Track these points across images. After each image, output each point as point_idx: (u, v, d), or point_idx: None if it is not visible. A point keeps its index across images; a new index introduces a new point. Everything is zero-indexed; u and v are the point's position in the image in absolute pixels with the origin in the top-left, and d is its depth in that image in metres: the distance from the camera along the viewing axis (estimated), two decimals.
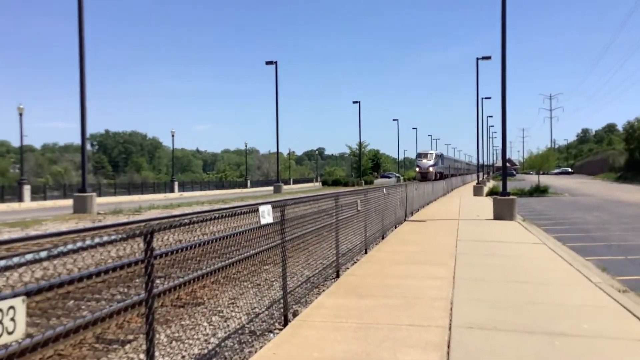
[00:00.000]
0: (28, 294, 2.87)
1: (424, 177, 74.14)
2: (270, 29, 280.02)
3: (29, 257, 2.84)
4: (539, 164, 54.79)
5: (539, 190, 43.12)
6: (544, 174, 69.95)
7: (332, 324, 6.45)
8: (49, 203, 39.59)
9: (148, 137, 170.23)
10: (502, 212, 20.29)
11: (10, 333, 2.68)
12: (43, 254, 2.94)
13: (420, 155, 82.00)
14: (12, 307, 2.69)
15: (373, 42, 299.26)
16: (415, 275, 9.41)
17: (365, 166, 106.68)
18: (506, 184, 21.94)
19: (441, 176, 78.57)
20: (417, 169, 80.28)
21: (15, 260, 2.75)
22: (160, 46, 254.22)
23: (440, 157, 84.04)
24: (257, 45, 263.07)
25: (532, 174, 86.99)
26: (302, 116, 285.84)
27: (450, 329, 6.17)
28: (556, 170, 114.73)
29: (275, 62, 53.86)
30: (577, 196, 41.42)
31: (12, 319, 2.69)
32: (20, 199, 40.00)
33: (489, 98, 69.85)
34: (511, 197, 21.01)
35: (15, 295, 2.71)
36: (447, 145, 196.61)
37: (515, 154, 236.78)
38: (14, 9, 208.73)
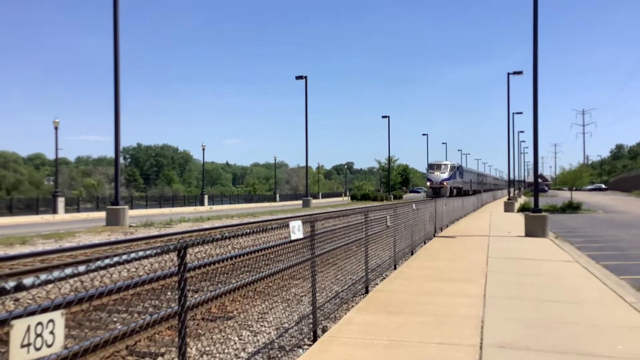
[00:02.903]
0: (64, 305, 2.94)
1: (436, 192, 62.92)
2: (300, 45, 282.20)
3: (68, 271, 2.92)
4: (571, 180, 53.88)
5: (572, 207, 42.37)
6: (576, 190, 68.28)
7: (361, 340, 6.43)
8: (82, 215, 40.32)
9: (179, 150, 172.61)
10: (534, 229, 20.00)
11: (49, 346, 2.75)
12: (82, 268, 3.02)
13: (432, 167, 69.10)
14: (51, 321, 2.76)
15: (403, 57, 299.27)
16: (446, 293, 9.33)
17: (394, 181, 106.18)
18: (538, 200, 21.63)
19: (459, 192, 68.15)
20: (428, 183, 68.37)
21: (56, 274, 2.82)
22: (191, 62, 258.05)
23: (457, 169, 71.51)
24: (287, 61, 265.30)
25: (564, 190, 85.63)
26: (331, 130, 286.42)
27: (481, 348, 6.10)
28: (589, 187, 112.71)
29: (305, 77, 54.22)
30: (611, 213, 40.60)
31: (52, 332, 2.76)
32: (54, 210, 40.85)
33: (521, 113, 68.59)
34: (543, 213, 20.71)
35: (55, 309, 2.78)
36: (477, 160, 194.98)
37: (547, 170, 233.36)
38: (52, 25, 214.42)
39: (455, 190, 66.91)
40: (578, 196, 56.14)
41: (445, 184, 65.15)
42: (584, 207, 44.05)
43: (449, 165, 68.19)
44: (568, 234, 23.38)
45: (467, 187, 76.83)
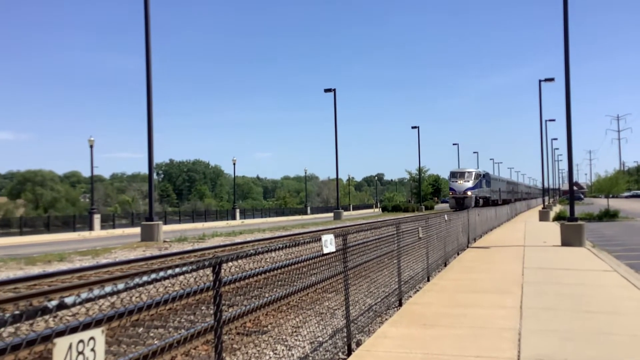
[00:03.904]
0: (105, 321, 3.01)
1: (459, 203, 57.92)
2: (327, 56, 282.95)
3: (108, 289, 2.99)
4: (607, 187, 52.90)
5: (609, 215, 41.49)
6: (613, 197, 66.54)
7: (396, 354, 6.39)
8: (117, 231, 40.98)
9: (210, 165, 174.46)
10: (570, 238, 19.64)
11: None
12: (121, 286, 3.09)
13: (454, 175, 63.14)
14: (92, 338, 2.82)
15: (430, 66, 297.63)
16: (481, 304, 9.22)
17: (426, 191, 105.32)
18: (574, 209, 21.26)
19: (486, 202, 62.74)
20: (451, 193, 62.73)
21: (96, 292, 2.90)
22: (221, 77, 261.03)
23: (483, 177, 65.17)
24: (315, 74, 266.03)
25: (600, 197, 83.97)
26: (361, 142, 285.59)
27: None
28: (626, 194, 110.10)
29: (334, 90, 54.33)
30: None
31: (92, 350, 2.82)
32: (90, 227, 41.64)
33: (553, 120, 66.50)
34: (579, 222, 20.32)
35: (96, 325, 2.85)
36: (510, 169, 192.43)
37: (583, 177, 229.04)
38: (86, 46, 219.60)
39: (481, 200, 61.64)
40: (615, 203, 54.92)
41: (469, 193, 59.54)
42: (621, 214, 43.11)
43: (474, 173, 62.40)
44: (605, 242, 22.90)
45: (496, 197, 71.14)
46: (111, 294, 3.01)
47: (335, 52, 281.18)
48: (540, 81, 45.75)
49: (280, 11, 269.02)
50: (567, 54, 20.43)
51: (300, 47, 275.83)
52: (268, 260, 5.91)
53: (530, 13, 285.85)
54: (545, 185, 62.10)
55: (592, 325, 7.58)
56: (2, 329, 2.58)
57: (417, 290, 10.91)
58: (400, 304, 9.55)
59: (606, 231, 30.02)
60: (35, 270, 16.54)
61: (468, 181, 60.48)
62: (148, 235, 27.27)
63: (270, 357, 7.10)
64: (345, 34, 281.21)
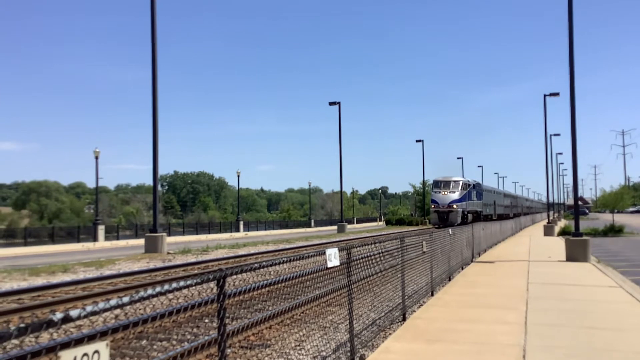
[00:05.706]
0: (110, 333, 3.02)
1: (442, 218, 49.36)
2: (333, 70, 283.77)
3: (113, 302, 3.00)
4: (612, 202, 52.70)
5: (614, 230, 41.34)
6: (618, 212, 66.28)
7: None
8: (121, 242, 40.99)
9: (215, 177, 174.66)
10: (575, 253, 19.56)
11: None
12: (126, 299, 3.09)
13: (437, 185, 52.97)
14: (97, 351, 2.83)
15: (436, 81, 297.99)
16: (485, 320, 9.19)
17: (429, 205, 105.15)
18: (579, 224, 21.18)
19: (476, 217, 53.75)
20: (433, 206, 52.54)
21: (101, 305, 2.91)
22: (225, 89, 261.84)
23: (473, 188, 55.19)
24: (320, 87, 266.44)
25: (605, 212, 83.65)
26: (365, 155, 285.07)
27: None
28: (631, 209, 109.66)
29: (339, 103, 54.47)
30: None
31: None
32: (94, 238, 41.68)
33: (558, 135, 65.10)
34: (584, 237, 20.25)
35: (100, 338, 2.86)
36: (515, 183, 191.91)
37: (588, 192, 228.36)
38: (92, 57, 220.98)
39: (470, 215, 52.26)
40: (620, 219, 54.64)
41: (455, 206, 49.90)
42: (627, 230, 42.94)
43: (461, 183, 52.15)
44: (611, 258, 22.79)
45: (489, 211, 62.49)
46: (116, 307, 3.02)
47: (339, 65, 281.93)
48: (545, 96, 45.69)
49: (285, 24, 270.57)
50: (572, 68, 20.47)
51: (304, 60, 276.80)
52: (272, 273, 5.91)
53: (535, 28, 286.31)
54: (550, 199, 61.73)
55: (597, 342, 7.54)
56: (7, 342, 2.59)
57: (421, 305, 10.87)
58: (404, 319, 9.52)
59: (611, 246, 29.88)
60: (39, 281, 16.55)
61: (454, 192, 50.96)
62: (152, 247, 27.28)
63: None
64: (349, 48, 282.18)
